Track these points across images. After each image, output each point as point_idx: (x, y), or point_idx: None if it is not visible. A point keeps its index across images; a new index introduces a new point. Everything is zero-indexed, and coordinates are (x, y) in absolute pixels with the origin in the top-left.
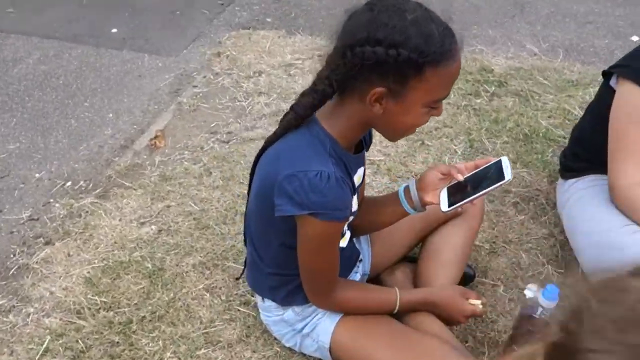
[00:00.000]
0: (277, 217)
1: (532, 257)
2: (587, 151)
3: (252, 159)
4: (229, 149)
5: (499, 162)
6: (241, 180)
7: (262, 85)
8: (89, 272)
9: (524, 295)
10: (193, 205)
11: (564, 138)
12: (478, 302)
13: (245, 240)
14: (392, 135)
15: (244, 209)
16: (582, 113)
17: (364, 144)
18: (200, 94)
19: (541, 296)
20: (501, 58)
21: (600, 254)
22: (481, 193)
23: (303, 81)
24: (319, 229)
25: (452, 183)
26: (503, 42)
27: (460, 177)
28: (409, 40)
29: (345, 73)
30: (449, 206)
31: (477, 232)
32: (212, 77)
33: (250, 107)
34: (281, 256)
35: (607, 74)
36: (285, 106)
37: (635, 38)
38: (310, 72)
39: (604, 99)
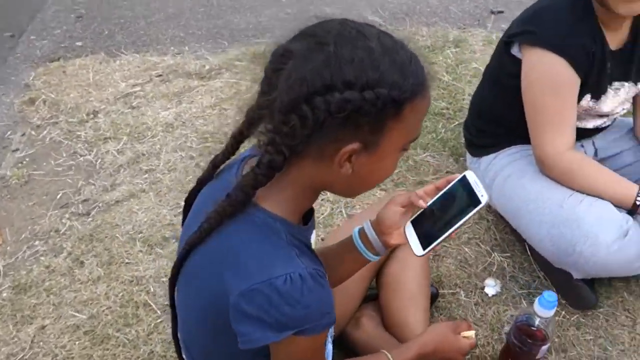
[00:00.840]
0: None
1: (474, 248)
2: (497, 125)
3: (128, 227)
4: (94, 222)
5: (464, 180)
6: (127, 260)
7: (104, 129)
8: None
9: (487, 294)
10: (76, 314)
11: (448, 109)
12: (471, 332)
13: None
14: (355, 192)
15: (146, 297)
16: (451, 80)
17: None
18: (27, 159)
19: (537, 305)
20: None
21: (557, 233)
22: (457, 225)
23: (153, 112)
24: (307, 345)
25: (416, 215)
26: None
27: (424, 204)
28: (385, 76)
29: (303, 135)
30: (425, 248)
31: None
32: (33, 132)
33: (99, 160)
34: None
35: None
36: (143, 148)
37: None
38: (156, 97)
39: (506, 68)
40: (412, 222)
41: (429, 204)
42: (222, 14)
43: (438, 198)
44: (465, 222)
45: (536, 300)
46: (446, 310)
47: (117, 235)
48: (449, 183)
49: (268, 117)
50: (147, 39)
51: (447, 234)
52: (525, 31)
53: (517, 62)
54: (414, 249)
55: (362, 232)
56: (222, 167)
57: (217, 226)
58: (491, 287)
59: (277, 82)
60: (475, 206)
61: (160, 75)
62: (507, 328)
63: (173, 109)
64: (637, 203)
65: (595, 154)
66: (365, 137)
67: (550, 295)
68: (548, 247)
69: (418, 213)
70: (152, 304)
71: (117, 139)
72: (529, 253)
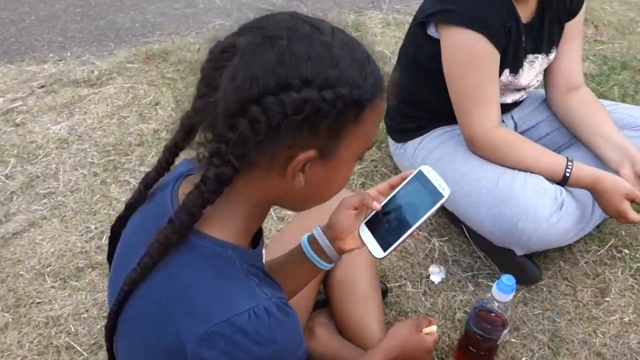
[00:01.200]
0: None
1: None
2: (421, 109)
3: (33, 261)
4: None
5: (421, 175)
6: (37, 299)
7: None
8: None
9: (433, 282)
10: None
11: None
12: (433, 328)
13: None
14: (308, 206)
15: (67, 339)
16: None
17: None
18: None
19: (496, 290)
20: None
21: (497, 212)
22: (419, 223)
23: (42, 128)
24: None
25: (371, 215)
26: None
27: (378, 207)
28: (345, 74)
29: (254, 141)
30: (385, 249)
31: None
32: None
33: None
34: None
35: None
36: (36, 169)
37: None
38: (42, 111)
39: (424, 51)
40: (367, 224)
41: (383, 203)
42: (102, 13)
43: (393, 196)
44: (427, 218)
45: (494, 285)
46: (396, 304)
47: (22, 272)
48: (404, 180)
49: (209, 124)
50: (20, 47)
51: (408, 232)
52: (444, 10)
53: (435, 43)
54: (373, 252)
55: (312, 239)
56: (153, 188)
57: (161, 259)
58: (436, 274)
59: (219, 82)
60: (437, 201)
61: (43, 86)
62: (459, 315)
63: (65, 123)
64: (567, 174)
65: (515, 128)
66: (322, 143)
67: (509, 279)
68: (489, 227)
69: (372, 214)
70: (75, 345)
71: (4, 162)
72: (467, 235)
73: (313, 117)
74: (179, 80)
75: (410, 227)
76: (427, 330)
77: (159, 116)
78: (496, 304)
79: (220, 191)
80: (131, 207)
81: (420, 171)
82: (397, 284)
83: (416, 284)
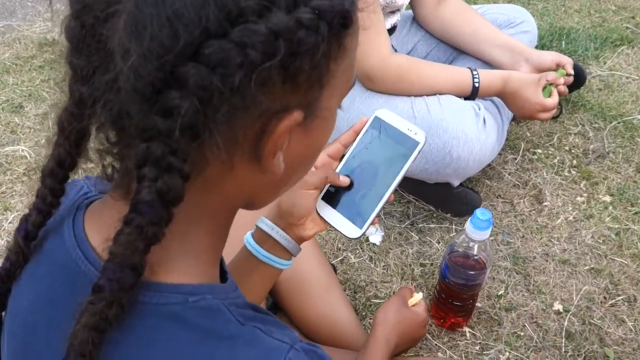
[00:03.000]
0: None
1: None
2: None
3: None
4: None
5: (378, 122)
6: None
7: None
8: None
9: (374, 244)
10: None
11: None
12: (418, 295)
13: None
14: (278, 195)
15: None
16: None
17: None
18: None
19: (472, 229)
20: None
21: (428, 145)
22: (397, 181)
23: None
24: None
25: (326, 188)
26: None
27: (347, 181)
28: None
29: (203, 124)
30: (361, 225)
31: None
32: None
33: None
34: None
35: None
36: None
37: None
38: None
39: None
40: (325, 199)
41: (338, 168)
42: None
43: (351, 156)
44: (404, 173)
45: (468, 223)
46: (348, 282)
47: None
48: (357, 133)
49: (110, 117)
50: None
51: (385, 197)
52: None
53: None
54: (345, 232)
55: (258, 236)
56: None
57: (100, 346)
58: (374, 234)
59: (109, 44)
60: (412, 149)
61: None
62: (417, 270)
63: None
64: (476, 85)
65: None
66: (303, 96)
67: (483, 213)
68: (421, 165)
69: (327, 186)
70: None
71: None
72: None
73: (289, 58)
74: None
75: (386, 189)
76: (413, 301)
77: None
78: (475, 245)
79: (168, 217)
80: (13, 269)
81: (376, 117)
82: (339, 258)
83: (358, 251)
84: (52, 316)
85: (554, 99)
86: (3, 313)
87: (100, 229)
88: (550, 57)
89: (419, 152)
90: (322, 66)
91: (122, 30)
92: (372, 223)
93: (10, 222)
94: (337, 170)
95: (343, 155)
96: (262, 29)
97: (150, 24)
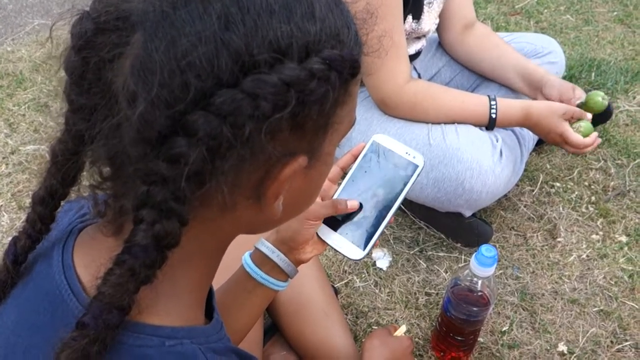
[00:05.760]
0: None
1: None
2: None
3: None
4: None
5: (376, 146)
6: None
7: None
8: None
9: (381, 269)
10: None
11: None
12: (402, 328)
13: None
14: (275, 226)
15: None
16: None
17: None
18: None
19: (476, 265)
20: None
21: (439, 175)
22: (398, 203)
23: None
24: None
25: None
26: None
27: (356, 205)
28: (328, 24)
29: (209, 173)
30: (364, 247)
31: None
32: None
33: None
34: None
35: None
36: None
37: None
38: None
39: None
40: (326, 222)
41: (337, 192)
42: None
43: (350, 180)
44: (405, 195)
45: (472, 260)
46: (351, 306)
47: None
48: (356, 157)
49: (106, 152)
50: None
51: (387, 218)
52: None
53: None
54: (348, 255)
55: (258, 258)
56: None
57: None
58: (381, 258)
59: (112, 84)
60: (412, 172)
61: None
62: (422, 299)
63: None
64: (493, 115)
65: (419, 78)
66: (308, 142)
67: (488, 250)
68: (433, 194)
69: None
70: None
71: None
72: (402, 206)
73: (299, 108)
74: (6, 99)
75: (387, 212)
76: (398, 333)
77: None
78: (479, 281)
79: (162, 260)
80: None
81: (374, 142)
82: (344, 281)
83: (363, 275)
84: (30, 342)
85: (588, 139)
86: None
87: (88, 264)
88: (558, 94)
89: (418, 175)
90: (329, 114)
91: (128, 74)
92: (374, 245)
93: (23, 222)
94: (337, 194)
95: (342, 178)
96: (274, 79)
97: (160, 71)
